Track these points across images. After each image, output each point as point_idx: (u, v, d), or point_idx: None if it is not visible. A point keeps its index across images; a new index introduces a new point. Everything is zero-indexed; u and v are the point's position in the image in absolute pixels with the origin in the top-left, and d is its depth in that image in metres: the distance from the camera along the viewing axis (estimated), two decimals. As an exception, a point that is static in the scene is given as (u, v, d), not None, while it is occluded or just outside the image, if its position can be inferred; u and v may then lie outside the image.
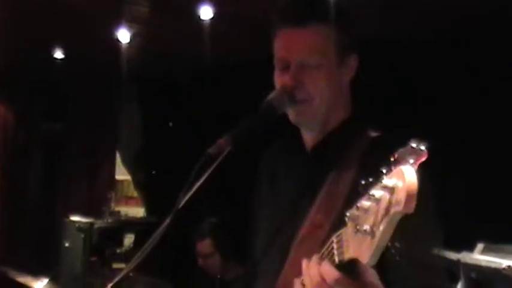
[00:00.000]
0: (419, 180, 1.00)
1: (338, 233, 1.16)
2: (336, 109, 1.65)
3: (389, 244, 1.04)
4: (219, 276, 4.06)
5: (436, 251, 1.46)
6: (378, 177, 1.03)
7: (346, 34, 1.63)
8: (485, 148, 3.81)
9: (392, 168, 1.01)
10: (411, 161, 1.00)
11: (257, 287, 1.67)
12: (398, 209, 0.99)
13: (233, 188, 4.63)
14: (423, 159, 1.01)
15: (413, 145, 1.00)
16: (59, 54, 5.35)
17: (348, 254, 1.12)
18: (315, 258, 1.23)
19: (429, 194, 1.45)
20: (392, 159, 1.01)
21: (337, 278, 1.17)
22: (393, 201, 1.00)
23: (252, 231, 1.80)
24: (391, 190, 1.00)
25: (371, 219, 1.03)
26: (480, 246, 1.55)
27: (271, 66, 1.70)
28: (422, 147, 1.00)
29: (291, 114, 1.63)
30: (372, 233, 1.03)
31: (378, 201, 1.02)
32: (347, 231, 1.12)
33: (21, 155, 6.26)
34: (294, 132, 1.71)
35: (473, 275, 1.46)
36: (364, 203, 1.05)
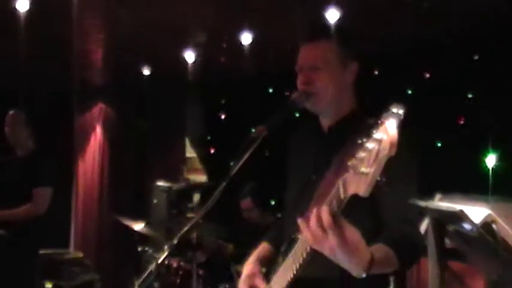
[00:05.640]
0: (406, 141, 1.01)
1: (343, 177, 1.14)
2: (342, 101, 1.68)
3: (378, 179, 1.03)
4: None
5: (411, 200, 1.47)
6: (370, 134, 1.02)
7: (346, 47, 1.66)
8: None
9: (380, 126, 1.01)
10: (392, 120, 1.00)
11: (288, 224, 1.70)
12: (384, 153, 0.99)
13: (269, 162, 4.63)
14: (400, 118, 1.00)
15: (394, 110, 1.00)
16: (146, 71, 5.43)
17: (350, 190, 1.11)
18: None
19: (414, 158, 1.50)
20: (379, 121, 1.01)
21: (330, 222, 1.17)
22: (381, 148, 1.00)
23: (286, 188, 1.82)
24: (379, 141, 1.00)
25: (365, 164, 1.03)
26: (438, 195, 1.55)
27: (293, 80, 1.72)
28: (400, 111, 1.00)
29: (308, 105, 1.67)
30: (366, 173, 1.03)
31: (370, 151, 1.01)
32: (349, 175, 1.10)
33: (121, 142, 6.38)
34: (314, 120, 1.75)
35: (436, 215, 1.47)
36: (361, 153, 1.04)
